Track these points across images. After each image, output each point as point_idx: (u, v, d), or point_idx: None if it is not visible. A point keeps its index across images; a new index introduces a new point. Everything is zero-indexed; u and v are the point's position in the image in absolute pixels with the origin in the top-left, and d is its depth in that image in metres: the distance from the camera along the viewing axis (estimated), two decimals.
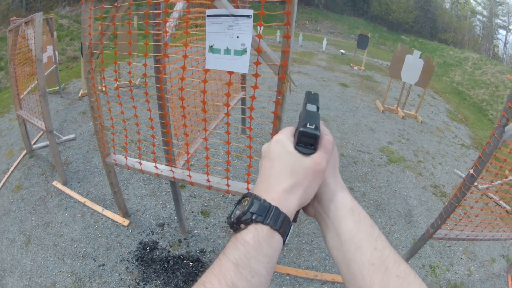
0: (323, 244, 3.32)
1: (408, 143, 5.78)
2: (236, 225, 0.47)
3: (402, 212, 4.00)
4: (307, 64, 10.68)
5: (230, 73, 1.76)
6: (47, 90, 6.51)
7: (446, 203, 2.55)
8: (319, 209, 0.55)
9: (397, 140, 5.83)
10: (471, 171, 2.29)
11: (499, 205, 4.30)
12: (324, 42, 14.00)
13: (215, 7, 1.64)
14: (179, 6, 2.14)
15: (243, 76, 4.60)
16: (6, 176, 4.16)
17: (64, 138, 4.93)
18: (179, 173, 2.51)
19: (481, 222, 2.85)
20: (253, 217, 0.46)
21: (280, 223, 0.46)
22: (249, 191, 0.52)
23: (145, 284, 2.72)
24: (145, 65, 1.94)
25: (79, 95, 6.58)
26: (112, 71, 2.30)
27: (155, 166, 2.54)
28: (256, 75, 1.69)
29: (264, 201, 0.47)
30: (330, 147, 0.53)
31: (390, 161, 5.10)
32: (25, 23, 3.31)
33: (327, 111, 6.70)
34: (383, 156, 5.21)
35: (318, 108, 0.57)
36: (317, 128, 0.51)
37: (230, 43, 1.65)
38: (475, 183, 2.38)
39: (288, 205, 0.48)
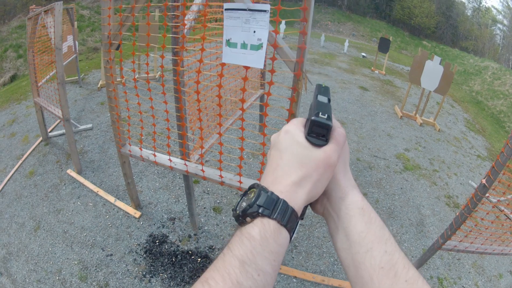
0: (332, 249, 3.28)
1: (425, 151, 5.65)
2: (242, 218, 0.45)
3: (414, 221, 3.91)
4: (328, 66, 10.58)
5: (247, 68, 1.72)
6: (66, 79, 6.68)
7: (457, 214, 2.50)
8: (328, 207, 0.52)
9: (413, 147, 5.71)
10: (484, 181, 2.24)
11: (510, 219, 4.18)
12: (346, 44, 13.85)
13: (233, 1, 1.61)
14: (198, 0, 2.12)
15: (262, 73, 4.57)
16: (20, 161, 4.23)
17: (81, 127, 4.99)
18: (193, 167, 2.49)
19: (491, 235, 2.78)
20: (260, 210, 0.44)
21: (288, 218, 0.44)
22: (256, 182, 0.50)
23: (152, 276, 2.72)
24: (162, 57, 1.92)
25: (98, 85, 6.66)
26: (131, 62, 2.30)
27: (169, 159, 2.53)
28: (272, 71, 1.66)
29: (272, 193, 0.45)
30: (342, 140, 0.50)
31: (406, 168, 5.01)
32: (45, 11, 3.36)
33: (345, 114, 6.62)
34: (398, 163, 5.11)
35: (329, 100, 0.55)
36: (329, 118, 0.49)
37: (246, 37, 1.62)
38: (487, 195, 2.33)
39: (296, 199, 0.46)
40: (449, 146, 6.08)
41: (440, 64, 6.01)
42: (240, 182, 2.28)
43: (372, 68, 10.79)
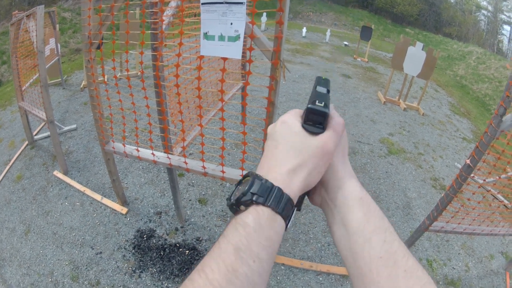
0: (319, 235, 3.36)
1: (409, 135, 5.77)
2: (236, 206, 0.45)
3: (401, 204, 4.00)
4: (310, 55, 10.65)
5: (224, 59, 1.78)
6: (50, 82, 6.65)
7: (443, 195, 2.52)
8: (326, 197, 0.52)
9: (398, 132, 5.82)
10: (468, 161, 2.27)
11: (497, 199, 4.30)
12: (328, 33, 13.93)
13: None
14: None
15: (243, 65, 4.62)
16: (8, 167, 4.23)
17: (66, 128, 4.99)
18: (176, 159, 2.54)
19: (478, 216, 2.78)
20: (254, 198, 0.43)
21: (283, 205, 0.44)
22: (251, 171, 0.49)
23: (141, 271, 2.78)
24: (141, 53, 1.97)
25: (81, 86, 6.64)
26: (111, 61, 2.33)
27: (152, 153, 2.58)
28: (250, 61, 1.72)
29: (266, 181, 0.45)
30: (340, 128, 0.50)
31: (390, 152, 5.10)
32: (27, 16, 3.37)
33: None
34: (383, 148, 5.21)
35: (328, 91, 0.55)
36: (326, 106, 0.49)
37: (224, 29, 1.67)
38: (472, 175, 2.36)
39: (292, 187, 0.46)
40: (434, 130, 6.21)
41: (422, 49, 6.13)
42: (223, 172, 2.34)
43: (355, 56, 10.90)
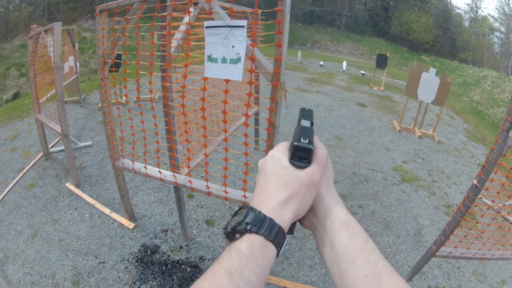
0: None
1: (423, 163, 5.71)
2: (232, 234, 0.49)
3: (412, 232, 3.94)
4: (326, 84, 10.82)
5: (227, 81, 1.86)
6: (68, 99, 6.95)
7: (450, 218, 2.46)
8: (315, 222, 0.56)
9: (412, 159, 5.78)
10: (475, 181, 2.20)
11: (508, 220, 4.17)
12: (344, 63, 14.28)
13: (213, 19, 1.76)
14: (186, 20, 2.29)
15: (257, 89, 4.72)
16: (21, 174, 4.42)
17: (81, 144, 5.18)
18: (181, 178, 2.62)
19: (488, 239, 2.72)
20: (248, 227, 0.48)
21: (275, 234, 0.48)
22: (245, 204, 0.54)
23: (141, 284, 2.82)
24: (150, 73, 2.09)
25: (99, 106, 6.88)
26: (136, 82, 2.47)
27: (159, 171, 2.67)
28: (251, 83, 1.79)
29: (260, 212, 0.49)
30: (324, 160, 0.55)
31: (403, 180, 5.07)
32: (45, 31, 3.58)
33: (342, 130, 6.75)
34: (396, 175, 5.18)
35: (312, 124, 0.60)
36: (310, 142, 0.53)
37: (226, 52, 1.76)
38: (480, 196, 2.26)
39: (282, 217, 0.50)
40: (449, 157, 6.13)
41: (436, 75, 6.12)
42: (226, 192, 2.39)
43: (371, 85, 10.94)
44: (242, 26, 1.68)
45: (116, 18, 2.22)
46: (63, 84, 5.74)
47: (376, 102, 9.24)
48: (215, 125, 3.49)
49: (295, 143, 0.53)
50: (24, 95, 9.33)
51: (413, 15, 22.46)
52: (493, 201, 2.90)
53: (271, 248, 0.48)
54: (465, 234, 2.57)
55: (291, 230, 0.55)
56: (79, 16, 15.84)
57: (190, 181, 2.51)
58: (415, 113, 7.57)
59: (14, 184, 4.25)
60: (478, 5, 23.57)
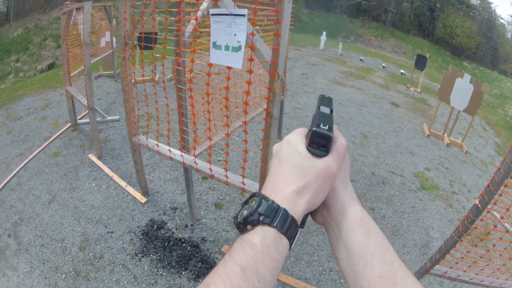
0: (324, 259, 3.38)
1: (447, 172, 5.59)
2: (243, 225, 0.47)
3: (419, 243, 3.89)
4: (363, 80, 10.71)
5: (250, 71, 1.98)
6: (103, 72, 7.34)
7: (448, 236, 2.40)
8: (328, 217, 0.54)
9: (435, 167, 5.67)
10: (477, 201, 2.10)
11: None
12: (340, 46, 14.80)
13: (219, 7, 1.89)
14: (204, 6, 2.43)
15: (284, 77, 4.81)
16: (47, 142, 4.82)
17: (109, 118, 5.52)
18: (189, 159, 2.80)
19: (487, 266, 2.56)
20: (261, 219, 0.46)
21: (288, 226, 0.46)
22: (257, 191, 0.52)
23: (142, 256, 3.06)
24: (163, 56, 2.28)
25: (132, 81, 7.22)
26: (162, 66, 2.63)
27: (169, 150, 2.86)
28: (250, 71, 1.90)
29: (273, 202, 0.47)
30: (343, 151, 0.53)
31: (422, 187, 5.00)
32: (77, 9, 3.85)
33: (369, 128, 6.71)
34: (415, 181, 5.12)
35: (331, 111, 0.58)
36: (330, 129, 0.51)
37: (229, 40, 1.88)
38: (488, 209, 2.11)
39: (296, 208, 0.48)
40: (474, 169, 5.96)
41: (470, 82, 5.94)
42: (227, 177, 2.55)
43: (408, 85, 10.69)
44: (243, 15, 1.79)
45: (137, 2, 2.40)
46: (99, 58, 6.13)
47: (410, 103, 9.05)
48: (231, 112, 3.65)
49: (314, 129, 0.51)
50: (59, 66, 9.87)
51: (458, 19, 21.84)
52: (501, 218, 2.73)
53: (284, 242, 0.47)
54: (462, 256, 2.49)
55: (303, 223, 0.53)
56: None
57: (195, 162, 2.69)
58: (447, 119, 7.40)
59: (39, 151, 4.64)
60: None
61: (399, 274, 0.46)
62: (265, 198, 0.48)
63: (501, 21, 23.73)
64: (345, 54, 15.25)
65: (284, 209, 0.47)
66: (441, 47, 22.14)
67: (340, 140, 0.53)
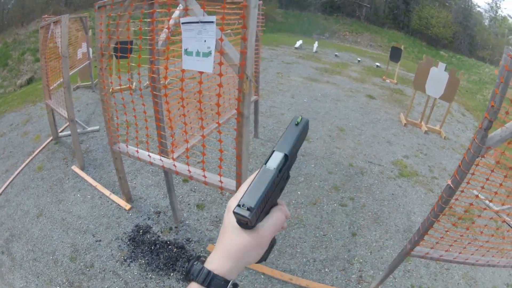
0: (307, 250, 3.53)
1: (426, 158, 5.82)
2: (186, 278, 0.58)
3: (401, 228, 4.02)
4: (338, 75, 10.96)
5: (220, 75, 2.16)
6: (81, 84, 7.43)
7: (425, 218, 2.45)
8: None
9: (414, 154, 5.89)
10: (449, 182, 2.16)
11: (509, 225, 4.12)
12: (315, 44, 15.21)
13: (189, 16, 2.06)
14: (176, 14, 2.60)
15: (256, 78, 5.00)
16: (31, 157, 4.91)
17: (89, 128, 5.64)
18: (168, 163, 2.96)
19: (469, 244, 2.56)
20: (191, 277, 0.56)
21: (210, 281, 0.55)
22: (200, 256, 0.62)
23: (131, 261, 3.21)
24: (139, 65, 2.44)
25: (110, 91, 7.33)
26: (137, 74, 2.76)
27: (149, 155, 3.02)
28: (220, 75, 2.06)
29: (203, 267, 0.56)
30: (276, 227, 0.60)
31: (401, 175, 5.19)
32: (54, 22, 3.98)
33: (346, 121, 6.93)
34: (394, 169, 5.31)
35: (286, 157, 0.57)
36: (251, 208, 0.52)
37: (199, 46, 2.05)
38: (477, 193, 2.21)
39: (224, 271, 0.56)
40: (454, 154, 6.20)
41: (445, 70, 6.20)
42: (205, 176, 2.72)
43: (384, 77, 11.00)
44: (212, 22, 1.96)
45: (112, 14, 2.56)
46: (76, 70, 6.23)
47: (386, 95, 9.33)
48: (207, 114, 3.81)
49: (233, 210, 0.53)
50: (38, 80, 9.91)
51: (433, 10, 22.48)
52: (476, 196, 2.63)
53: None
54: (441, 236, 2.50)
55: (265, 256, 0.61)
56: (96, 1, 16.37)
57: (174, 165, 2.85)
58: (423, 107, 7.66)
59: (24, 167, 4.74)
60: (498, 4, 23.62)
61: None
62: (201, 261, 0.58)
63: (478, 9, 24.51)
64: (320, 51, 15.49)
65: (212, 273, 0.55)
66: (417, 38, 22.72)
67: (277, 213, 0.59)
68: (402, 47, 10.49)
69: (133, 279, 3.06)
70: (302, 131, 0.59)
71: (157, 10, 2.39)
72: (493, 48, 21.97)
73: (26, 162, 4.81)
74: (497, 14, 23.82)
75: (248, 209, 0.51)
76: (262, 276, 3.20)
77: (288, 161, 0.56)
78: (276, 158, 0.55)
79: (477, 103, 11.48)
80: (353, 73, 11.67)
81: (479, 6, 24.58)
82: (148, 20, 2.44)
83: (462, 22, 22.49)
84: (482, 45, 22.36)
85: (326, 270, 3.33)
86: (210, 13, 2.05)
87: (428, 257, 2.61)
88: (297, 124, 0.59)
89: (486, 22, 24.30)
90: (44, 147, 5.17)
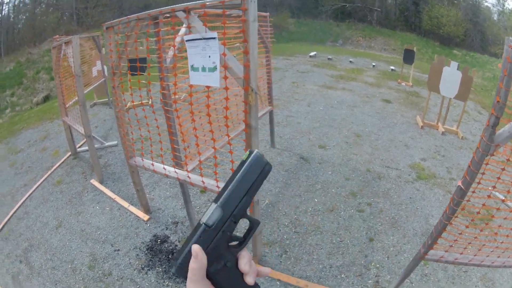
0: (324, 256, 3.54)
1: (443, 160, 5.76)
2: None
3: (419, 231, 3.98)
4: (353, 81, 10.98)
5: (226, 88, 2.25)
6: (98, 101, 7.70)
7: (438, 221, 2.39)
8: None
9: (431, 156, 5.83)
10: (460, 183, 2.09)
11: None
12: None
13: (192, 33, 2.16)
14: (182, 31, 2.72)
15: (269, 89, 5.09)
16: (50, 172, 5.13)
17: (107, 144, 5.85)
18: (182, 174, 3.06)
19: (484, 245, 2.48)
20: None
21: None
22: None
23: (149, 269, 3.31)
24: (149, 83, 2.55)
25: (126, 107, 7.56)
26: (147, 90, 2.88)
27: (164, 168, 3.13)
28: (226, 88, 2.16)
29: None
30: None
31: (419, 177, 5.14)
32: (65, 43, 4.17)
33: (362, 127, 6.94)
34: (412, 173, 5.27)
35: (213, 225, 0.53)
36: (183, 263, 0.52)
37: (204, 62, 2.15)
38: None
39: None
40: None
41: (457, 69, 6.14)
42: (218, 187, 2.80)
43: (399, 80, 10.91)
44: (214, 38, 2.06)
45: (120, 34, 2.69)
46: (92, 87, 6.46)
47: (402, 98, 9.27)
48: (220, 127, 3.91)
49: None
50: (54, 98, 10.29)
51: (443, 8, 22.27)
52: (488, 197, 2.43)
53: None
54: (455, 238, 2.43)
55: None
56: (108, 19, 16.91)
57: (188, 176, 2.95)
58: (439, 108, 7.59)
59: (43, 181, 4.96)
60: None
61: None
62: None
63: (486, 4, 24.11)
64: (334, 58, 15.53)
65: None
66: (430, 39, 22.48)
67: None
68: (414, 49, 10.41)
69: (150, 286, 3.16)
70: (249, 169, 0.54)
71: (162, 29, 2.50)
72: (503, 43, 21.65)
73: (45, 176, 5.03)
74: (505, 8, 23.37)
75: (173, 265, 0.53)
76: (278, 283, 3.23)
77: (224, 213, 0.53)
78: (209, 211, 0.53)
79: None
80: (369, 78, 11.66)
81: (486, 1, 24.10)
82: (155, 39, 2.56)
83: (472, 19, 22.16)
84: (493, 40, 21.95)
85: (343, 276, 3.34)
86: (214, 28, 2.14)
87: (443, 260, 2.56)
88: (243, 161, 0.54)
89: (495, 17, 23.85)
90: (62, 162, 5.39)
